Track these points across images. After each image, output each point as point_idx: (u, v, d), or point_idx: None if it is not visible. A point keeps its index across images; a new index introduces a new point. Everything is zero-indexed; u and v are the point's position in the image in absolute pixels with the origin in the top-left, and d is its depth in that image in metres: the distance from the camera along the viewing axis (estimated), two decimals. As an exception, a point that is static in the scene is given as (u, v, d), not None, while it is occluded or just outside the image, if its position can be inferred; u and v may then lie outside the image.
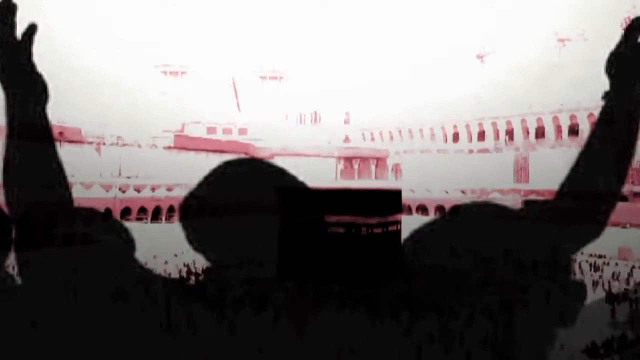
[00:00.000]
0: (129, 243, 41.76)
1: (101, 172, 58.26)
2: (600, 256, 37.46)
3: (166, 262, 34.42)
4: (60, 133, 51.22)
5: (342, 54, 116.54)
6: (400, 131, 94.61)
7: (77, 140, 57.41)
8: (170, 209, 58.22)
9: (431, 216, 66.85)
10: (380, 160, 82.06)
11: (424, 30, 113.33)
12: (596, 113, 65.73)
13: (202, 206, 59.68)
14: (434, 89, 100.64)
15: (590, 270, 33.65)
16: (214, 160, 70.97)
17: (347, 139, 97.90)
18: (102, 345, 17.33)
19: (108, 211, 51.64)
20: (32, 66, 11.34)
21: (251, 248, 40.58)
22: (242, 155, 72.33)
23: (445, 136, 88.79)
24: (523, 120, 79.17)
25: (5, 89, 11.21)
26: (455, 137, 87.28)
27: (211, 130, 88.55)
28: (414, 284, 27.70)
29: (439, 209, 68.32)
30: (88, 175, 54.09)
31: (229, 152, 71.20)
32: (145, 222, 54.36)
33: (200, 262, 35.08)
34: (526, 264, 34.80)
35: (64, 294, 23.94)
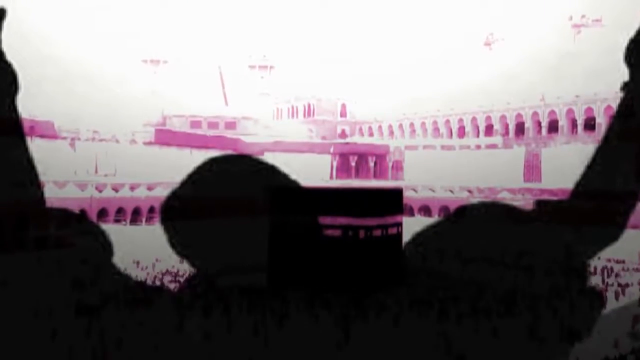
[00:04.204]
0: (106, 247, 41.40)
1: (76, 169, 58.06)
2: (618, 261, 37.44)
3: (146, 268, 34.25)
4: (32, 127, 50.98)
5: (338, 40, 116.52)
6: (401, 125, 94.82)
7: (49, 135, 57.21)
8: (151, 210, 58.06)
9: (435, 218, 66.95)
10: (379, 157, 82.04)
11: (426, 15, 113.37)
12: (614, 105, 65.98)
13: (185, 207, 59.71)
14: (437, 79, 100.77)
15: (608, 276, 33.65)
16: (199, 157, 70.05)
17: (343, 134, 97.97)
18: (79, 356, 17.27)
19: (83, 212, 51.47)
20: (1, 54, 11.30)
21: (239, 253, 40.25)
22: (230, 152, 72.24)
23: (450, 131, 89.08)
24: (535, 113, 79.44)
25: (-30, 79, 11.18)
26: (461, 132, 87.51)
27: (195, 124, 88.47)
28: (417, 291, 27.64)
29: (444, 209, 68.41)
30: (61, 173, 53.90)
31: (215, 148, 71.07)
32: (124, 225, 54.23)
33: (184, 268, 34.89)
34: (538, 269, 34.84)
35: (35, 302, 23.80)
